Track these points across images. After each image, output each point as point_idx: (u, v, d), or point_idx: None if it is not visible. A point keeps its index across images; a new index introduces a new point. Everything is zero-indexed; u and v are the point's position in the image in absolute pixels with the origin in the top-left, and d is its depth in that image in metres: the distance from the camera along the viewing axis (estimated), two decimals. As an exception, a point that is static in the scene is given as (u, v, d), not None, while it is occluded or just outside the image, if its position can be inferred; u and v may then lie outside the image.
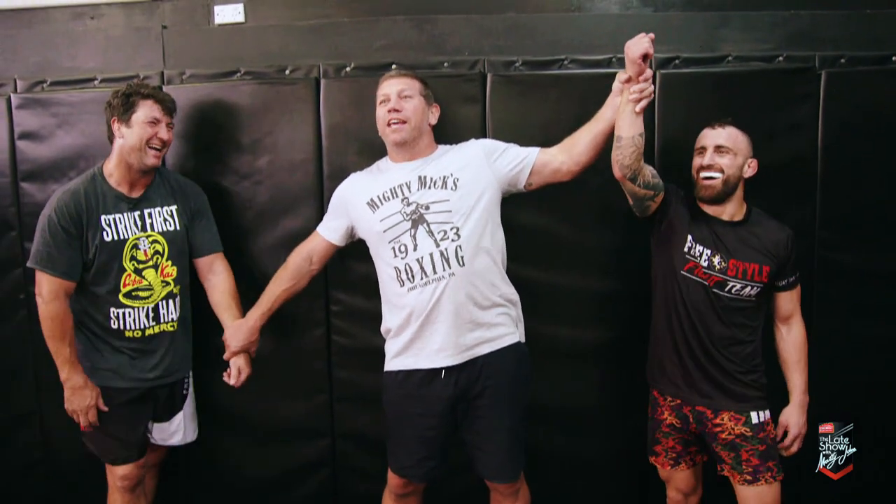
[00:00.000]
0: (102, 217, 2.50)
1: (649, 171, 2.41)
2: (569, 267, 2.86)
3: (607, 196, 2.78)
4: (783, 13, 2.85)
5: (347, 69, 2.89)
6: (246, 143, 2.87)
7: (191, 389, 2.84)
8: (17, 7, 2.97)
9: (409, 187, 2.42)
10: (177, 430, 2.79)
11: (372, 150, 2.72)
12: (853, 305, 2.84)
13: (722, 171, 2.39)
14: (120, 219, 2.53)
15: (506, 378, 2.41)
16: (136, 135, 2.50)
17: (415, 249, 2.34)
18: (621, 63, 2.74)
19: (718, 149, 2.40)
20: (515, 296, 2.52)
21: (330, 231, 2.58)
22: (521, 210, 2.72)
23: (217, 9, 2.94)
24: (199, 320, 2.81)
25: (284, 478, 3.00)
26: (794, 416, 2.46)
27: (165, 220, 2.63)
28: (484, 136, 2.79)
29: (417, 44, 2.91)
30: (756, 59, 2.82)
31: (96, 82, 2.91)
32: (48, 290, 2.44)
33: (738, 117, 2.70)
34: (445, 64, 2.87)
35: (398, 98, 2.40)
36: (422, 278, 2.34)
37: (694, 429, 2.49)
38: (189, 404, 2.83)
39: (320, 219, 2.76)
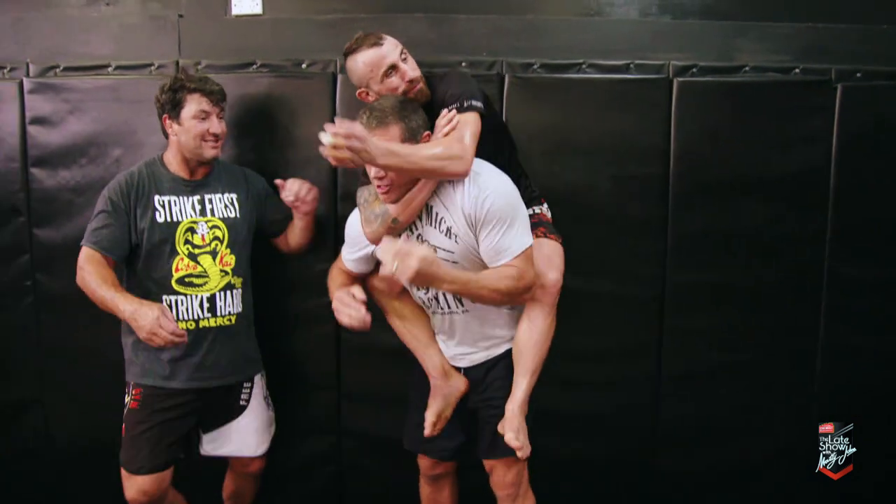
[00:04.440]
0: (156, 197, 2.48)
1: None
2: (581, 272, 2.79)
3: (620, 200, 2.84)
4: (800, 25, 2.89)
5: None
6: (260, 137, 2.87)
7: (260, 398, 2.70)
8: (31, -9, 2.94)
9: (419, 217, 2.24)
10: (231, 440, 2.65)
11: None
12: (863, 317, 2.88)
13: (418, 78, 2.30)
14: (176, 201, 2.50)
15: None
16: (189, 131, 2.47)
17: (427, 289, 2.28)
18: (640, 69, 2.87)
19: (402, 55, 2.27)
20: None
21: (353, 264, 2.45)
22: None
23: (234, 0, 2.93)
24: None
25: (288, 475, 3.01)
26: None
27: (227, 206, 2.59)
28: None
29: (435, 42, 2.90)
30: (772, 70, 2.86)
31: (110, 69, 2.89)
32: (83, 259, 2.37)
33: (753, 127, 2.81)
34: (463, 63, 2.88)
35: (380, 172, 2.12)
36: (438, 308, 2.34)
37: None
38: (253, 416, 2.67)
39: (333, 214, 2.82)
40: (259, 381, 2.70)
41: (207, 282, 2.52)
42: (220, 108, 2.54)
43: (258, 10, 2.94)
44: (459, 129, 2.09)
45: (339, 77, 2.84)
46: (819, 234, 2.85)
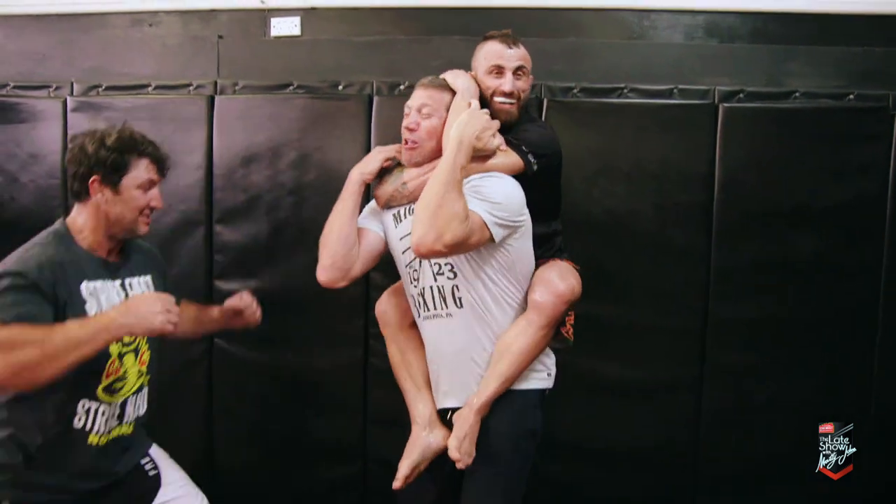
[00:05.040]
0: (83, 285, 1.88)
1: None
2: (620, 301, 2.79)
3: (662, 228, 2.75)
4: (854, 49, 2.79)
5: (401, 87, 2.87)
6: (295, 158, 2.85)
7: (166, 457, 2.18)
8: (78, 12, 3.01)
9: None
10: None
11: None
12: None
13: (519, 97, 2.15)
14: (102, 287, 1.92)
15: (499, 428, 2.04)
16: (128, 202, 1.94)
17: (420, 280, 2.07)
18: (683, 94, 2.80)
19: (518, 71, 2.14)
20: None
21: (367, 222, 2.20)
22: (571, 241, 2.59)
23: (274, 21, 2.95)
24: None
25: (314, 501, 2.96)
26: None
27: (145, 291, 2.07)
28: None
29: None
30: (825, 95, 2.76)
31: (150, 89, 2.94)
32: (5, 339, 1.69)
33: (803, 155, 2.70)
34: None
35: (417, 114, 2.07)
36: (426, 310, 2.07)
37: None
38: (173, 472, 2.16)
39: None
40: (156, 450, 2.18)
41: (125, 385, 1.98)
42: (162, 179, 2.05)
43: (297, 31, 2.96)
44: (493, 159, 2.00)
45: (376, 99, 2.83)
46: (873, 266, 2.71)
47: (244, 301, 2.28)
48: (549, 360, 2.13)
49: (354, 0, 2.97)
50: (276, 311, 2.69)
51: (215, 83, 2.92)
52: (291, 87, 2.91)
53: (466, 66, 2.75)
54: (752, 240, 2.75)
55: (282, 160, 2.85)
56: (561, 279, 2.04)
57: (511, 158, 2.01)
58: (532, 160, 2.03)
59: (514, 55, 2.14)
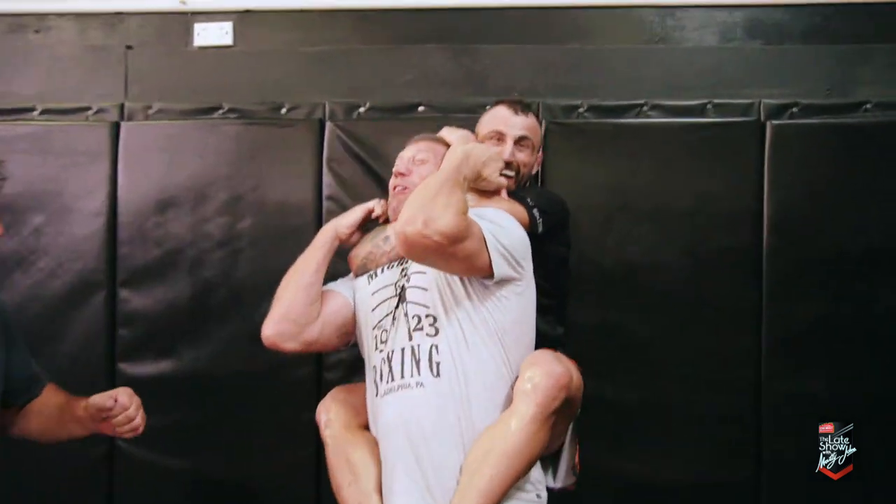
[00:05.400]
0: None
1: None
2: (646, 378, 2.30)
3: (698, 282, 2.31)
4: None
5: (361, 110, 2.47)
6: (225, 201, 2.41)
7: None
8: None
9: None
10: None
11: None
12: None
13: (518, 170, 2.02)
14: None
15: None
16: None
17: (389, 341, 1.74)
18: (718, 110, 2.40)
19: (521, 141, 2.01)
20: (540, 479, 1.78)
21: (337, 285, 1.94)
22: (581, 302, 2.25)
23: (198, 27, 2.52)
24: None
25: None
26: None
27: None
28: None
29: (453, 80, 2.51)
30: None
31: (35, 113, 2.51)
32: None
33: (877, 184, 2.31)
34: (488, 106, 2.35)
35: (410, 161, 1.93)
36: (390, 380, 1.72)
37: None
38: None
39: None
40: None
41: None
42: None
43: (228, 40, 2.54)
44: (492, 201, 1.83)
45: (328, 125, 2.42)
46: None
47: (119, 403, 1.60)
48: (538, 475, 1.75)
49: (301, 0, 2.53)
50: (199, 402, 2.36)
51: (122, 106, 2.51)
52: (221, 111, 2.49)
53: (446, 80, 2.48)
54: (813, 294, 2.29)
55: (208, 204, 2.42)
56: (557, 360, 1.68)
57: (512, 205, 1.83)
58: (537, 215, 1.85)
59: (519, 123, 2.02)
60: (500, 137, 1.99)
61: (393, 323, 1.75)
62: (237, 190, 2.39)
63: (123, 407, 1.57)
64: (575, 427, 1.83)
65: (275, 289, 2.28)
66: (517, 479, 1.62)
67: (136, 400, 1.58)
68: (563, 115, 2.40)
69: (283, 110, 2.47)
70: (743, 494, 2.30)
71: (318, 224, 2.32)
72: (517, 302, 1.71)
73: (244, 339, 2.26)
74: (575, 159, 2.34)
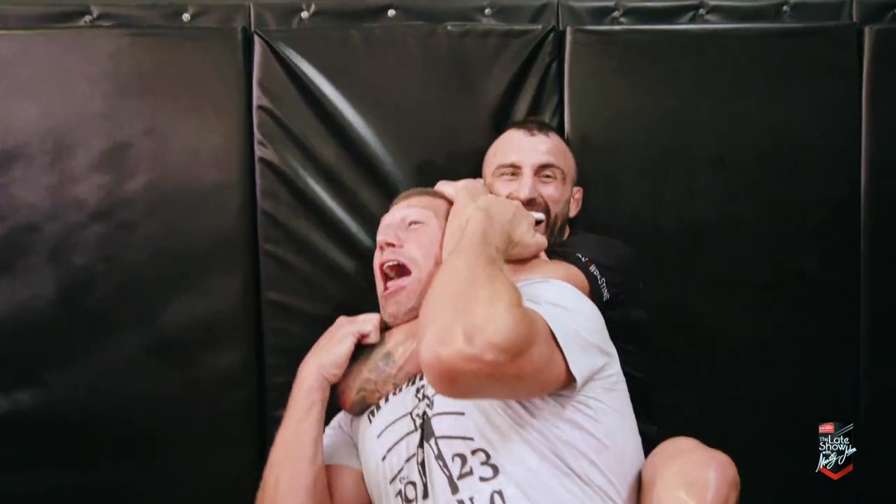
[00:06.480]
0: None
1: None
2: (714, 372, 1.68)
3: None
4: None
5: (304, 14, 1.73)
6: (102, 152, 1.61)
7: None
8: None
9: None
10: None
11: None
12: None
13: (547, 209, 1.52)
14: None
15: None
16: None
17: (415, 500, 1.20)
18: (798, 12, 1.77)
19: (545, 169, 1.52)
20: None
21: (338, 452, 1.39)
22: None
23: None
24: None
25: None
26: None
27: None
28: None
29: None
30: None
31: None
32: None
33: None
34: (487, 11, 1.75)
35: (400, 227, 1.42)
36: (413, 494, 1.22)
37: None
38: None
39: (250, 301, 1.61)
40: None
41: None
42: None
43: None
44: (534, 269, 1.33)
45: (258, 40, 1.64)
46: None
47: None
48: None
49: None
50: (79, 454, 1.61)
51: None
52: (89, 17, 1.68)
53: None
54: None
55: (76, 157, 1.61)
56: (705, 448, 1.18)
57: (564, 268, 1.35)
58: (598, 275, 1.37)
59: (537, 146, 1.52)
60: (514, 171, 1.51)
61: (423, 472, 1.19)
62: (120, 135, 1.61)
63: None
64: None
65: (187, 277, 1.62)
66: None
67: None
68: (591, 20, 1.74)
69: (186, 16, 1.70)
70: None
71: (246, 183, 1.61)
72: (609, 401, 1.16)
73: (142, 354, 1.57)
74: (610, 82, 1.69)
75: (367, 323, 1.32)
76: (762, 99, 1.69)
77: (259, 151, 1.59)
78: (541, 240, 1.31)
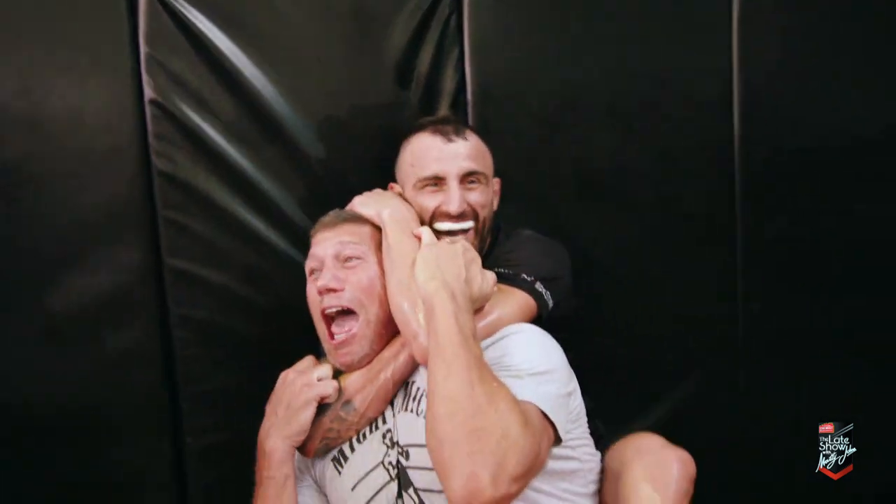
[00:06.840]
0: None
1: None
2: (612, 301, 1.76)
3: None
4: None
5: None
6: None
7: None
8: None
9: (392, 405, 1.34)
10: None
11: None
12: None
13: (477, 217, 1.47)
14: None
15: None
16: None
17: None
18: None
19: (470, 176, 1.46)
20: None
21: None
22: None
23: None
24: None
25: None
26: None
27: None
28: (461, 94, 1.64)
29: None
30: None
31: None
32: None
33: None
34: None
35: (334, 264, 1.35)
36: None
37: None
38: None
39: (150, 272, 1.52)
40: None
41: None
42: None
43: None
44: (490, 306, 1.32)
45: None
46: None
47: None
48: None
49: None
50: None
51: None
52: None
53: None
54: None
55: None
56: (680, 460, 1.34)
57: (515, 299, 1.36)
58: (542, 290, 1.39)
59: (458, 153, 1.44)
60: (437, 182, 1.43)
61: None
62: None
63: None
64: None
65: (78, 251, 1.50)
66: None
67: None
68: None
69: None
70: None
71: (139, 148, 1.49)
72: (576, 429, 1.26)
73: (36, 339, 1.45)
74: (507, 33, 1.67)
75: (326, 385, 1.28)
76: (645, 46, 1.73)
77: (151, 110, 1.47)
78: (490, 278, 1.27)
